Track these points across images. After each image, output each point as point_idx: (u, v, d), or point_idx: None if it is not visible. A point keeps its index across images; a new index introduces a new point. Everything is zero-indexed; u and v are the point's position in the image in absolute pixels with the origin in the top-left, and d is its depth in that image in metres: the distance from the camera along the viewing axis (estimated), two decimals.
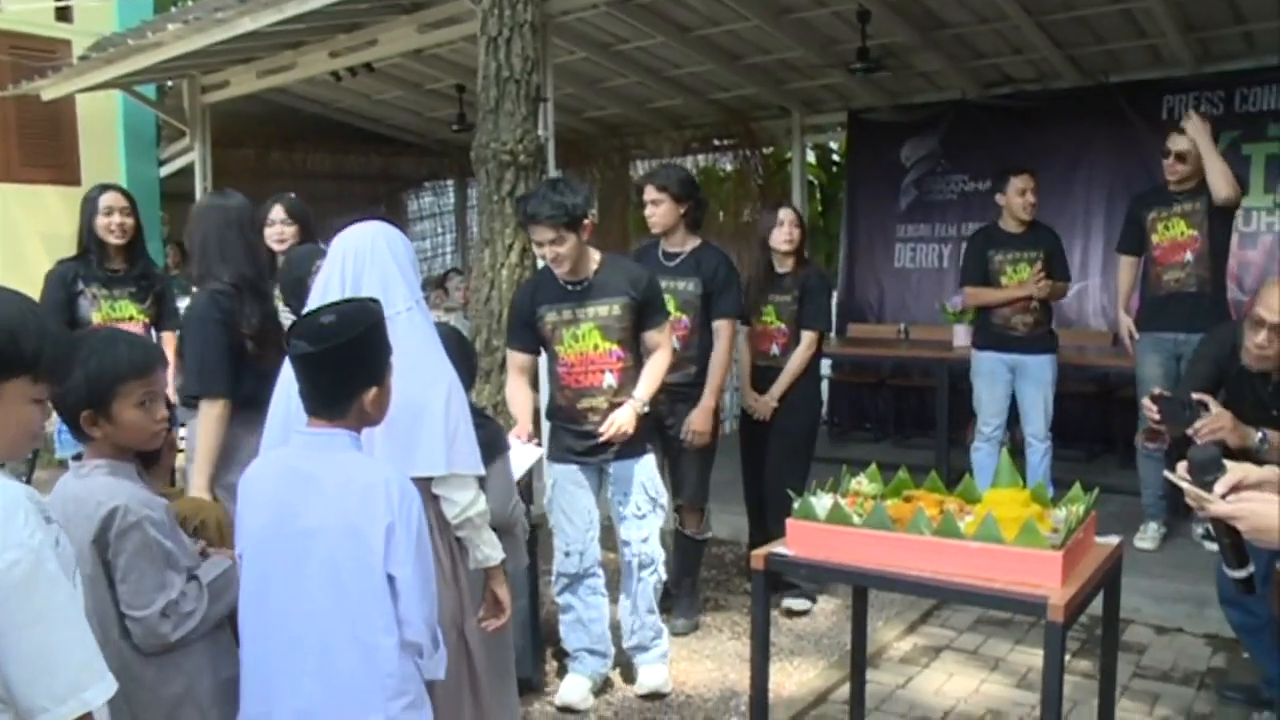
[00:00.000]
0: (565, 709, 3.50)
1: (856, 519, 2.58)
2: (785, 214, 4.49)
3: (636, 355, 3.58)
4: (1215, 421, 2.58)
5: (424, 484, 2.28)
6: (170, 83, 8.67)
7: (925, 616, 4.31)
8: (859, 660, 3.15)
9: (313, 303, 2.35)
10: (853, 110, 8.30)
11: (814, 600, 4.47)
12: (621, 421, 3.45)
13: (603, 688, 3.66)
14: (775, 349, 4.50)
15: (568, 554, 3.57)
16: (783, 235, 4.44)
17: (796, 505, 2.68)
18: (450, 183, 11.92)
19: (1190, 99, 6.68)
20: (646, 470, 3.60)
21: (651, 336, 3.61)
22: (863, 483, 2.87)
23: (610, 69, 8.04)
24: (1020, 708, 3.52)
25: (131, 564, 1.94)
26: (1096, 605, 2.65)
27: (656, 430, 3.95)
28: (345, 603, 1.95)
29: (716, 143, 9.64)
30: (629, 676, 3.71)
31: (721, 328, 4.11)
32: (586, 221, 3.44)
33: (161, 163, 9.14)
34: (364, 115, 10.10)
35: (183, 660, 2.01)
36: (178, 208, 9.22)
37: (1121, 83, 7.03)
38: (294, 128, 10.32)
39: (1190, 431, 2.61)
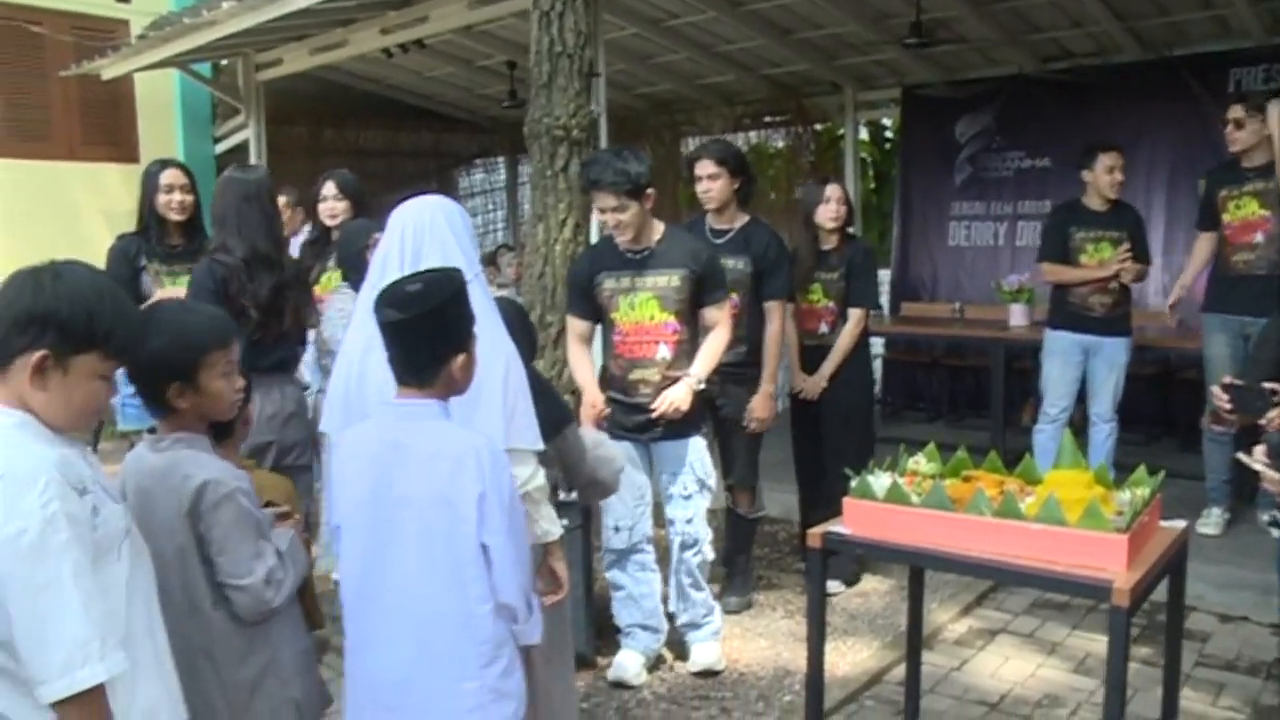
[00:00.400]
0: (619, 684, 3.51)
1: (915, 498, 2.55)
2: (832, 190, 4.40)
3: (693, 330, 3.55)
4: None
5: None
6: (225, 61, 8.74)
7: (980, 598, 4.25)
8: (915, 641, 3.12)
9: (373, 277, 2.36)
10: (906, 86, 8.16)
11: (850, 584, 4.42)
12: (675, 398, 3.44)
13: (656, 663, 3.66)
14: (824, 327, 4.43)
15: (617, 529, 3.56)
16: (829, 212, 4.37)
17: (854, 484, 2.65)
18: (501, 159, 11.93)
19: (1259, 72, 6.48)
20: (696, 451, 3.57)
21: (710, 313, 3.57)
22: (920, 462, 2.83)
23: (661, 44, 7.98)
24: (1078, 693, 3.46)
25: (229, 535, 1.96)
26: (1156, 591, 2.59)
27: (707, 410, 3.91)
28: (440, 572, 1.98)
29: (768, 119, 9.55)
30: (682, 654, 3.70)
31: (774, 309, 4.06)
32: (649, 191, 3.43)
33: (216, 140, 9.22)
34: (415, 92, 10.13)
35: (269, 631, 2.04)
36: None
37: (1186, 56, 6.83)
38: (346, 105, 10.37)
39: (1263, 421, 2.53)
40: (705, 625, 3.66)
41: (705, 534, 3.61)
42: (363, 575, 2.06)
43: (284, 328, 3.49)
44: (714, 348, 3.56)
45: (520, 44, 6.53)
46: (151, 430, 2.10)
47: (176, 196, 4.10)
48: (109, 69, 7.87)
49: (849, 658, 3.75)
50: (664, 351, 3.48)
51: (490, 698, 2.04)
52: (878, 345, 7.84)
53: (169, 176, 4.12)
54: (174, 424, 2.03)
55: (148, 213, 4.11)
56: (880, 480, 2.64)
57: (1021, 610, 4.15)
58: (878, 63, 8.03)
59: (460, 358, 2.05)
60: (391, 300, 2.01)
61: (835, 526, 2.63)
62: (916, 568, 3.04)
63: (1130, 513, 2.40)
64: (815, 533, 2.63)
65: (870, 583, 4.43)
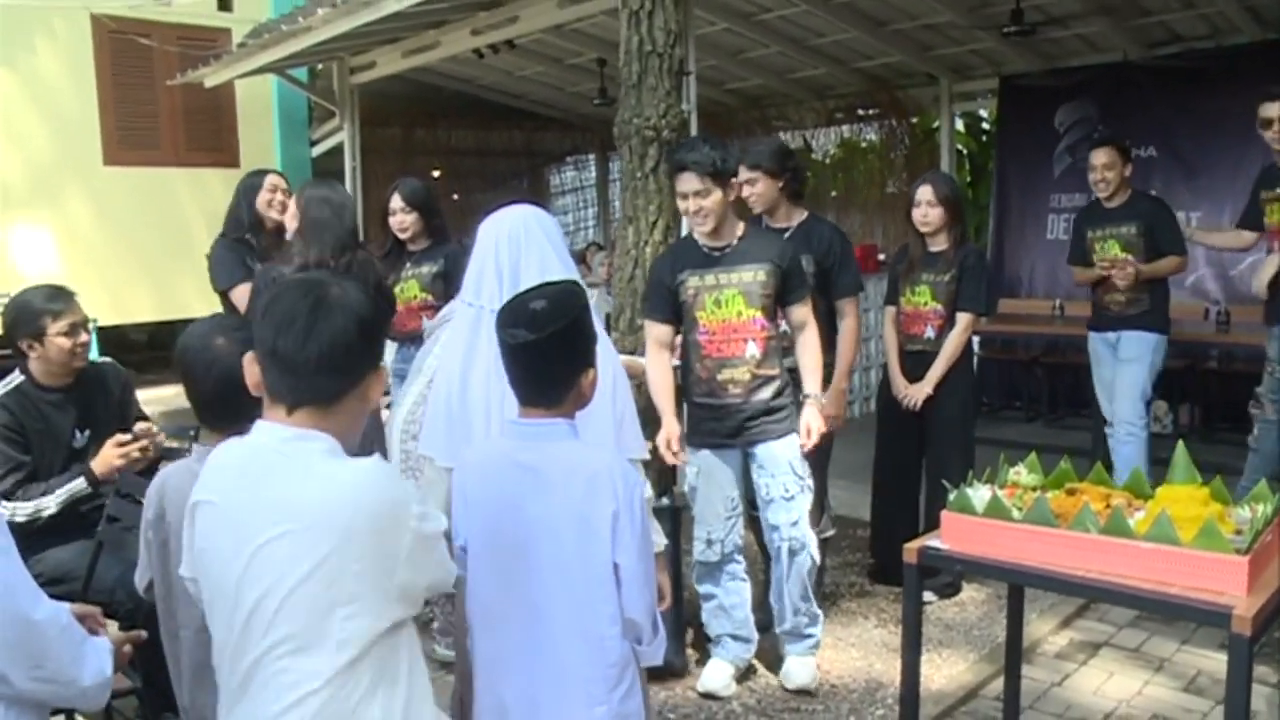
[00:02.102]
0: (708, 695, 3.47)
1: (1016, 513, 2.45)
2: (922, 192, 4.25)
3: (778, 328, 3.47)
4: None
5: None
6: (320, 65, 8.94)
7: (1082, 610, 4.10)
8: (1014, 657, 3.01)
9: (468, 291, 2.36)
10: (1004, 75, 7.93)
11: (947, 595, 4.27)
12: (816, 427, 3.38)
13: (746, 674, 3.61)
14: (929, 332, 4.25)
15: (710, 543, 3.49)
16: (918, 215, 4.24)
17: (952, 497, 2.57)
18: (592, 157, 11.98)
19: None
20: (792, 449, 3.44)
21: (797, 311, 3.47)
22: (1021, 473, 2.72)
23: (752, 39, 7.90)
24: (1190, 715, 3.31)
25: None
26: None
27: None
28: (573, 593, 1.96)
29: (860, 113, 9.40)
30: (772, 662, 3.64)
31: (846, 306, 3.91)
32: (734, 180, 3.37)
33: (313, 143, 9.45)
34: (506, 91, 10.22)
35: None
36: None
37: None
38: (438, 105, 10.53)
39: None
40: (807, 637, 3.54)
41: (811, 537, 3.49)
42: (494, 597, 2.04)
43: None
44: (813, 354, 3.47)
45: (610, 41, 6.52)
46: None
47: (279, 197, 4.21)
48: (211, 77, 8.12)
49: (944, 670, 3.65)
50: (753, 349, 3.39)
51: None
52: (974, 344, 7.65)
53: (273, 179, 4.24)
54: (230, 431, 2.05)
55: (249, 217, 4.18)
56: (980, 494, 2.55)
57: (1125, 623, 3.98)
58: (974, 52, 7.82)
59: (590, 373, 2.02)
60: (519, 320, 1.95)
61: (933, 541, 2.55)
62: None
63: (1251, 532, 2.26)
64: (912, 548, 2.55)
65: (967, 591, 4.31)
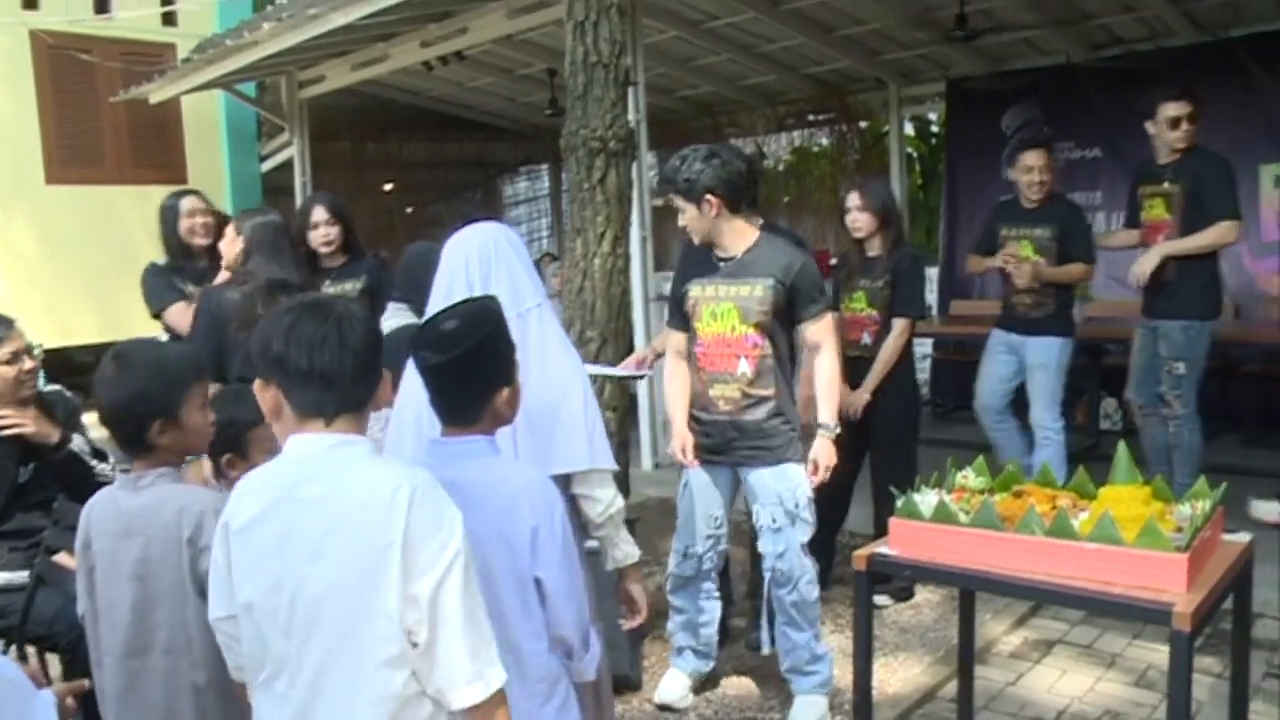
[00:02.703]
0: (664, 707, 3.45)
1: (963, 517, 2.47)
2: (851, 198, 4.24)
3: (776, 347, 3.29)
4: None
5: (560, 485, 2.28)
6: (268, 80, 8.85)
7: (1035, 609, 4.13)
8: (967, 658, 3.03)
9: (435, 306, 2.35)
10: (951, 79, 8.03)
11: (902, 599, 4.27)
12: (825, 462, 3.25)
13: (703, 686, 3.60)
14: (866, 338, 4.25)
15: (685, 556, 3.43)
16: (849, 221, 4.24)
17: (900, 503, 2.58)
18: (545, 167, 11.97)
19: None
20: (785, 480, 3.26)
21: (809, 330, 3.29)
22: (969, 476, 2.74)
23: (702, 47, 7.94)
24: (1141, 709, 3.35)
25: None
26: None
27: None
28: (498, 609, 1.93)
29: (811, 118, 9.47)
30: (729, 674, 3.64)
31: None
32: (709, 196, 3.21)
33: (262, 158, 9.36)
34: (457, 103, 10.19)
35: None
36: (279, 201, 9.44)
37: (1243, 36, 6.62)
38: (389, 118, 10.46)
39: None
40: (811, 674, 3.36)
41: (802, 570, 3.31)
42: None
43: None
44: (829, 380, 3.30)
45: (559, 51, 6.51)
46: (125, 470, 2.13)
47: (199, 220, 4.22)
48: (156, 93, 8.02)
49: (900, 674, 3.67)
50: (744, 367, 3.26)
51: None
52: (927, 345, 7.72)
53: (189, 203, 4.24)
54: (155, 461, 2.06)
55: (175, 245, 4.21)
56: (927, 499, 2.56)
57: (1078, 621, 4.02)
58: (922, 57, 7.92)
59: (505, 391, 2.01)
60: (429, 343, 1.97)
61: (882, 548, 2.56)
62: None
63: (1190, 529, 2.29)
64: (862, 555, 2.56)
65: (922, 595, 4.33)
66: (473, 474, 1.96)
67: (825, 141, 9.59)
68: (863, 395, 4.21)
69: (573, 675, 2.08)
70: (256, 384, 1.70)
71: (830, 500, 4.24)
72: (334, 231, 4.25)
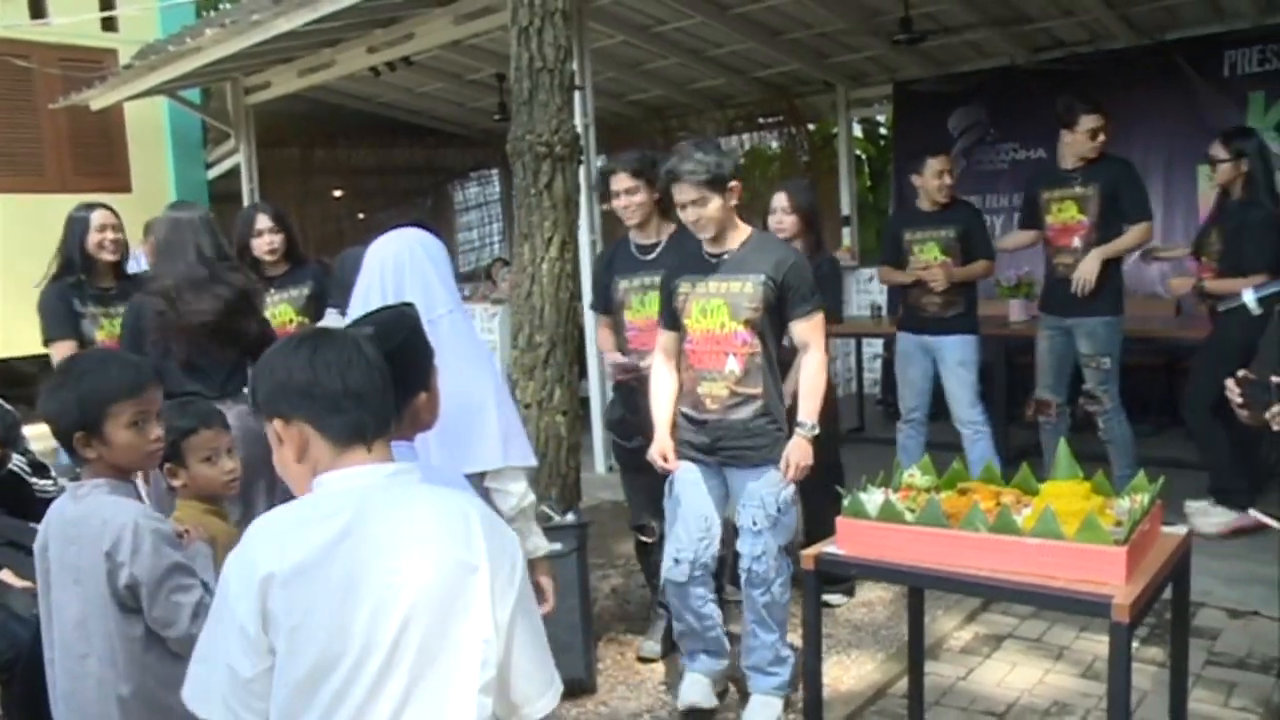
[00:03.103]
0: (691, 711, 3.38)
1: (909, 516, 2.49)
2: (777, 199, 4.19)
3: (766, 346, 3.28)
4: None
5: (475, 480, 2.33)
6: (213, 86, 8.75)
7: (985, 605, 4.17)
8: (917, 654, 3.06)
9: (353, 311, 2.37)
10: (898, 82, 8.13)
11: (849, 595, 4.29)
12: (797, 460, 3.21)
13: (725, 689, 3.55)
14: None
15: (677, 561, 3.35)
16: (773, 222, 4.16)
17: (846, 502, 2.60)
18: (495, 172, 11.93)
19: (1254, 53, 6.43)
20: (769, 483, 3.24)
21: (798, 329, 3.27)
22: (915, 475, 2.77)
23: (650, 51, 7.96)
24: (1088, 699, 3.40)
25: (151, 580, 1.98)
26: (1166, 589, 2.53)
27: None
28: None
29: (761, 121, 9.53)
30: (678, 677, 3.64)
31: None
32: (733, 185, 3.20)
33: (209, 165, 9.25)
34: (406, 108, 10.12)
35: None
36: (226, 208, 9.33)
37: (1179, 39, 6.79)
38: (337, 124, 10.38)
39: (1268, 415, 2.48)
40: (771, 675, 3.35)
41: (778, 573, 3.28)
42: None
43: (240, 349, 3.54)
44: (812, 380, 3.28)
45: (507, 56, 6.52)
46: (75, 478, 2.16)
47: (110, 236, 4.11)
48: (98, 99, 7.89)
49: (853, 671, 3.69)
50: (733, 364, 3.24)
51: None
52: (877, 345, 7.80)
53: (100, 217, 4.11)
54: (93, 471, 2.07)
55: (79, 255, 4.08)
56: (873, 497, 2.59)
57: (1027, 614, 4.08)
58: (869, 59, 8.00)
59: (422, 396, 1.99)
60: None
61: (830, 547, 2.58)
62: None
63: (1129, 523, 2.34)
64: (809, 554, 2.58)
65: (875, 592, 4.37)
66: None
67: (775, 144, 9.66)
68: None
69: None
70: (275, 425, 1.56)
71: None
72: (278, 239, 4.24)
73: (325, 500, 1.54)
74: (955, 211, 5.02)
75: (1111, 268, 4.84)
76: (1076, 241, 4.87)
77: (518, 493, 2.47)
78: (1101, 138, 4.78)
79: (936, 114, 7.84)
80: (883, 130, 10.09)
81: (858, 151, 9.57)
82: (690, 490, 3.35)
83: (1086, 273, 4.76)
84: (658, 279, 3.56)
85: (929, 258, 4.99)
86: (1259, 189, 4.60)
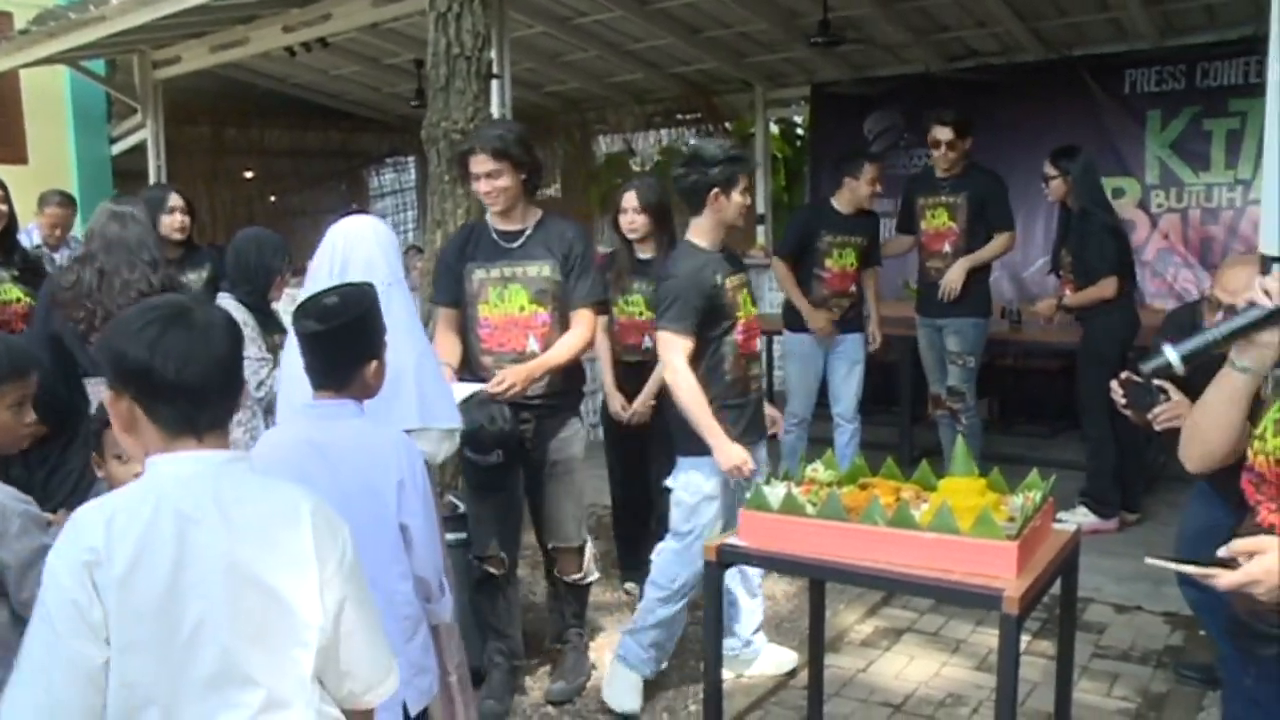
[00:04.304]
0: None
1: (810, 509, 2.53)
2: (627, 198, 4.08)
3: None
4: (1174, 409, 2.56)
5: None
6: (119, 58, 8.44)
7: (887, 599, 4.28)
8: (817, 646, 3.12)
9: (309, 284, 2.59)
10: (815, 84, 8.24)
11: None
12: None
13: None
14: (648, 341, 4.01)
15: None
16: (625, 222, 4.08)
17: (749, 494, 2.63)
18: (411, 159, 11.75)
19: (1153, 73, 6.68)
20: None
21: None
22: (819, 469, 2.82)
23: (569, 43, 7.92)
24: (981, 690, 3.50)
25: (25, 565, 1.95)
26: (1059, 585, 2.62)
27: (520, 455, 3.39)
28: (371, 555, 1.98)
29: (679, 117, 9.58)
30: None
31: (584, 317, 3.42)
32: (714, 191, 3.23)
33: (113, 140, 8.92)
34: (322, 91, 9.92)
35: None
36: (131, 186, 9.03)
37: (1085, 56, 7.01)
38: (250, 104, 10.12)
39: (1150, 416, 2.58)
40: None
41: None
42: None
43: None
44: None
45: (425, 42, 6.45)
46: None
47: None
48: None
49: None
50: (760, 344, 3.40)
51: (412, 672, 2.24)
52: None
53: None
54: None
55: None
56: (776, 490, 2.63)
57: (927, 609, 4.18)
58: (787, 60, 8.09)
59: (373, 364, 2.25)
60: (311, 313, 2.21)
61: (731, 539, 2.61)
62: None
63: (1021, 519, 2.41)
64: (711, 545, 2.61)
65: (778, 586, 4.43)
66: (343, 432, 2.23)
67: (693, 140, 9.70)
68: (646, 401, 4.09)
69: (430, 618, 2.36)
70: (107, 394, 1.56)
71: (636, 498, 4.28)
72: (185, 220, 4.27)
73: (152, 486, 1.53)
74: (868, 219, 5.28)
75: (979, 274, 5.19)
76: (947, 247, 5.21)
77: (430, 451, 2.65)
78: (955, 150, 5.12)
79: (853, 117, 7.96)
80: (799, 131, 10.21)
81: (774, 151, 9.66)
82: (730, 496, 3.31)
83: (952, 280, 5.12)
84: (520, 269, 3.37)
85: (846, 265, 5.20)
86: (1089, 201, 4.88)
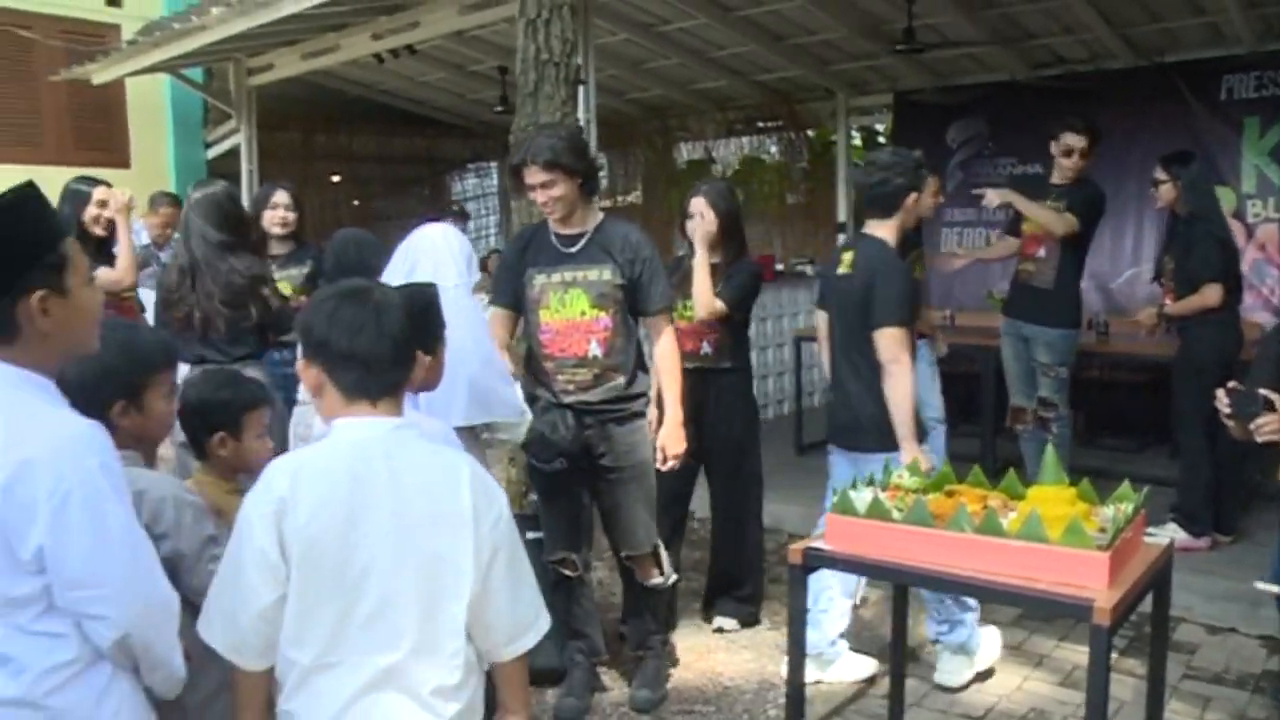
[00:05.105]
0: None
1: (896, 514, 2.53)
2: (695, 203, 4.01)
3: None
4: (1276, 422, 2.49)
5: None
6: (216, 66, 8.72)
7: None
8: (898, 655, 3.10)
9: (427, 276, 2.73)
10: (898, 91, 8.15)
11: (748, 623, 4.12)
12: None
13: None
14: (706, 347, 4.00)
15: None
16: (691, 226, 3.99)
17: (835, 499, 2.63)
18: (494, 164, 11.92)
19: (1251, 79, 6.48)
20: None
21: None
22: (904, 476, 2.81)
23: (652, 50, 7.97)
24: (1065, 707, 3.44)
25: (197, 553, 1.98)
26: (1146, 602, 2.57)
27: (585, 461, 3.39)
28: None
29: (760, 125, 9.56)
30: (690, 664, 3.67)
31: (660, 324, 3.43)
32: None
33: (208, 145, 9.21)
34: (408, 97, 10.11)
35: None
36: None
37: (1178, 62, 6.82)
38: (338, 110, 10.36)
39: (1253, 427, 2.52)
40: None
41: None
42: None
43: (249, 324, 3.89)
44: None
45: (511, 49, 6.50)
46: None
47: (105, 214, 4.25)
48: (99, 74, 7.85)
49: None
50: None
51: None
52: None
53: (101, 193, 4.26)
54: (119, 443, 1.98)
55: (78, 228, 4.15)
56: (862, 495, 2.62)
57: (1008, 622, 4.11)
58: (870, 68, 8.02)
59: (426, 360, 2.30)
60: None
61: (817, 543, 2.61)
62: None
63: (1113, 529, 2.37)
64: (796, 549, 2.61)
65: (861, 592, 4.39)
66: None
67: (774, 149, 9.69)
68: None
69: None
70: (301, 362, 1.84)
71: (674, 495, 4.03)
72: (291, 216, 4.38)
73: (336, 445, 1.79)
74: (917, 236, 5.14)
75: (1071, 284, 5.09)
76: (1042, 251, 5.10)
77: (512, 436, 2.99)
78: (1078, 159, 5.03)
79: (935, 125, 7.87)
80: (881, 139, 10.12)
81: (855, 159, 9.60)
82: None
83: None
84: (581, 274, 3.34)
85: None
86: (1198, 208, 4.75)
